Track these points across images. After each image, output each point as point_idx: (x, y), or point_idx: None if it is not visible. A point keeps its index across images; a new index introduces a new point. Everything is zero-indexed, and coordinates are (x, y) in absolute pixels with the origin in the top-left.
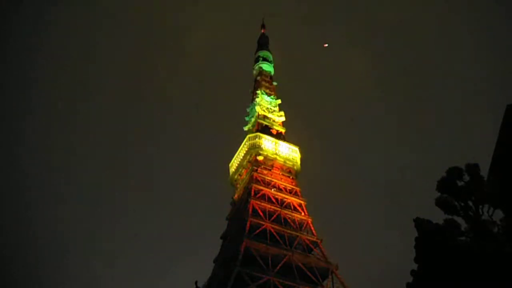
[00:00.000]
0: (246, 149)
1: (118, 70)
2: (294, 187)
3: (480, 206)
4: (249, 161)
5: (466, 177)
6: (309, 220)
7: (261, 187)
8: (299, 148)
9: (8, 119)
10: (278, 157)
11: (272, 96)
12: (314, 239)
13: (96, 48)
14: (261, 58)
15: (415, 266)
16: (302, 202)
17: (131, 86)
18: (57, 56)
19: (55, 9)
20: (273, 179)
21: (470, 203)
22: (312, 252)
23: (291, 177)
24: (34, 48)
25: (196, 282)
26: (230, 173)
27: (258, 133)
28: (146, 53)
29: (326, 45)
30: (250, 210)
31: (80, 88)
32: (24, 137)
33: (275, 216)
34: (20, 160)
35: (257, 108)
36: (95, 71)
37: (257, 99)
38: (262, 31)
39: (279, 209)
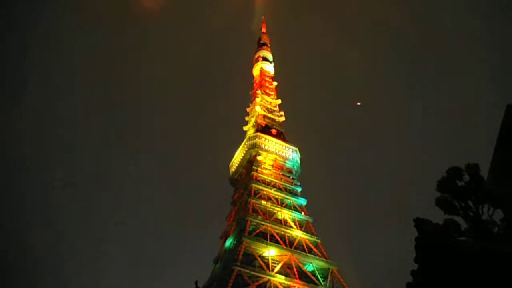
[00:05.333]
0: (246, 149)
1: (116, 70)
2: (294, 187)
3: (480, 206)
4: (249, 161)
5: (466, 177)
6: (309, 220)
7: (261, 187)
8: (299, 148)
9: (5, 119)
10: (278, 157)
11: (272, 96)
12: (314, 239)
13: (93, 46)
14: (261, 58)
15: (415, 266)
16: (302, 202)
17: (130, 86)
18: (51, 56)
19: (46, 11)
20: (273, 179)
21: (470, 203)
22: (312, 252)
23: (291, 177)
24: (28, 48)
25: (196, 282)
26: (230, 173)
27: (258, 133)
28: (145, 53)
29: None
30: (250, 210)
31: (79, 88)
32: (22, 136)
33: (275, 216)
34: (18, 159)
35: (257, 108)
36: (93, 72)
37: (257, 99)
38: (263, 31)
39: (279, 209)
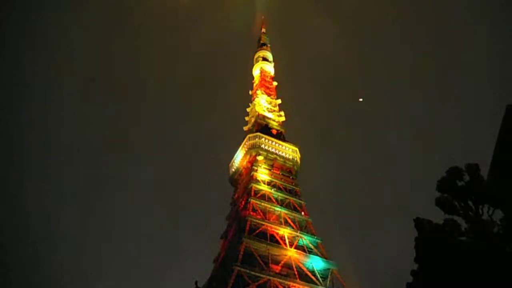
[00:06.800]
0: (246, 149)
1: (116, 71)
2: (294, 187)
3: (480, 206)
4: (249, 161)
5: (466, 177)
6: (309, 220)
7: (261, 187)
8: (299, 148)
9: (5, 119)
10: (278, 157)
11: (272, 96)
12: (314, 239)
13: (95, 48)
14: (261, 58)
15: (415, 266)
16: (302, 202)
17: (130, 86)
18: (52, 56)
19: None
20: (273, 179)
21: (470, 203)
22: (312, 252)
23: (291, 177)
24: (26, 49)
25: (196, 282)
26: (230, 173)
27: (258, 133)
28: (145, 53)
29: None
30: (250, 210)
31: (80, 88)
32: (22, 137)
33: (275, 216)
34: (18, 160)
35: (257, 108)
36: (93, 73)
37: (257, 99)
38: (263, 31)
39: (279, 209)
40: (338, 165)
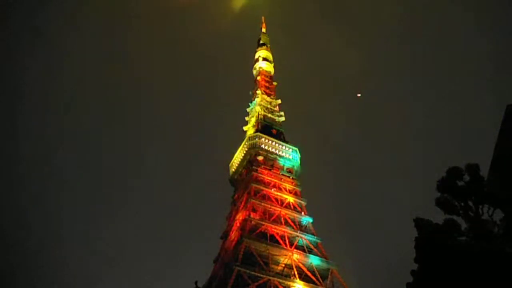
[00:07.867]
0: (246, 149)
1: (116, 72)
2: (294, 187)
3: (480, 206)
4: (249, 161)
5: (466, 177)
6: (309, 220)
7: (261, 187)
8: (299, 148)
9: (6, 119)
10: (278, 157)
11: (272, 96)
12: (314, 239)
13: (96, 46)
14: (261, 58)
15: (415, 266)
16: (302, 202)
17: (130, 86)
18: (54, 57)
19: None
20: (273, 179)
21: (470, 203)
22: (312, 252)
23: (291, 177)
24: (26, 50)
25: (196, 282)
26: (230, 173)
27: (258, 133)
28: (146, 53)
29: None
30: (250, 210)
31: (80, 89)
32: (23, 137)
33: (275, 216)
34: (18, 160)
35: (257, 108)
36: (94, 73)
37: (257, 99)
38: (263, 31)
39: (279, 209)
40: (338, 165)
